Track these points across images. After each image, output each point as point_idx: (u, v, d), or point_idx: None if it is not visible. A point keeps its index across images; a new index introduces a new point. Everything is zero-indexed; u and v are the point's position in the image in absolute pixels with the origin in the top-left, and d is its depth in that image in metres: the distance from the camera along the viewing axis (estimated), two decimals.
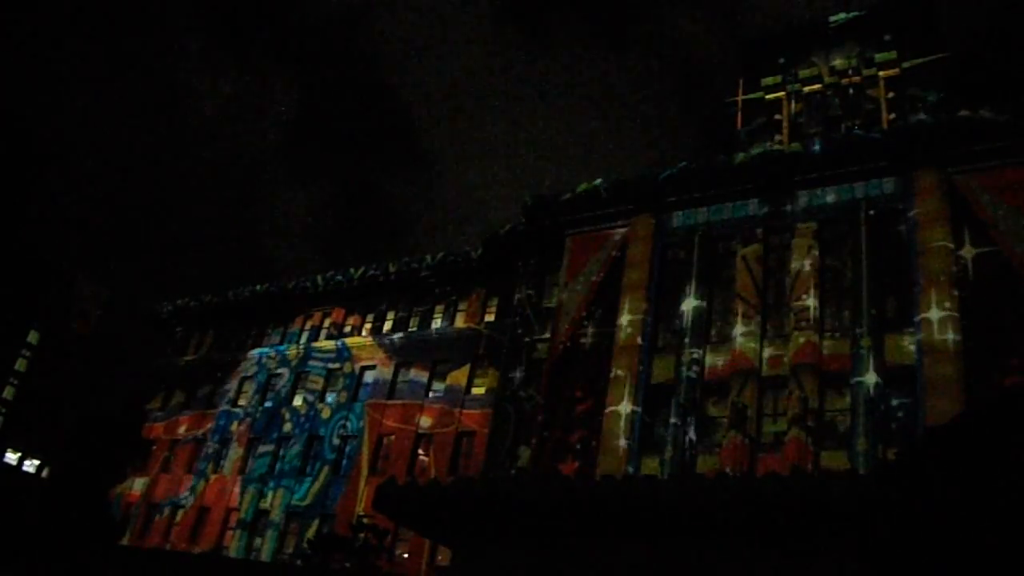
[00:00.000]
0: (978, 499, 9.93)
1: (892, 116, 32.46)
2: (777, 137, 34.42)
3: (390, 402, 39.30)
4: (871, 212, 28.42)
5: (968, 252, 26.37)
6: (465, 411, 36.29)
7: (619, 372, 29.80)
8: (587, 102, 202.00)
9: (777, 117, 35.16)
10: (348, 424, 39.89)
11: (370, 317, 43.62)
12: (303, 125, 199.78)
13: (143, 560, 39.05)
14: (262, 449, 42.26)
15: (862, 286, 27.30)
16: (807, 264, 28.59)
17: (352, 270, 44.64)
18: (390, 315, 42.85)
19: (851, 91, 34.21)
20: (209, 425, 45.62)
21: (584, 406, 30.27)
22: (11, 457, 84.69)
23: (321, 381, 42.72)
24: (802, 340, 27.26)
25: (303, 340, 45.36)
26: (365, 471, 37.61)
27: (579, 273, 33.37)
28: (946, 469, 10.48)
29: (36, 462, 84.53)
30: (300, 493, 39.10)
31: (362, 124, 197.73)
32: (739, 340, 28.44)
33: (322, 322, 45.39)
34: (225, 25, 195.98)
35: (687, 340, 29.43)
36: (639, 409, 28.85)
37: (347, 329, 44.08)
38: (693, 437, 27.44)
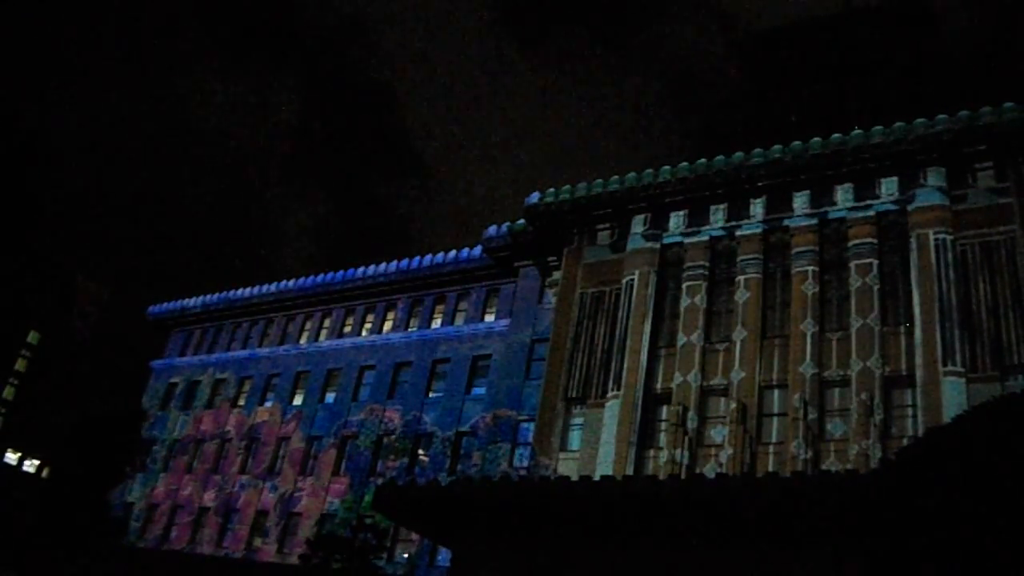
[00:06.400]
0: (978, 500, 9.94)
1: (895, 116, 32.43)
2: (777, 136, 34.40)
3: (390, 402, 39.31)
4: (872, 212, 28.38)
5: (970, 252, 26.32)
6: (466, 411, 36.35)
7: (619, 373, 29.76)
8: (585, 104, 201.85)
9: (777, 117, 35.18)
10: (348, 424, 39.89)
11: (370, 317, 43.64)
12: (304, 129, 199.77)
13: (143, 560, 39.05)
14: (263, 449, 42.30)
15: (863, 287, 27.27)
16: (808, 265, 28.55)
17: (352, 270, 44.69)
18: (390, 315, 42.87)
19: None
20: (210, 425, 45.66)
21: (584, 407, 30.26)
22: (11, 457, 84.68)
23: (321, 381, 42.72)
24: (803, 341, 27.25)
25: (303, 340, 45.39)
26: (366, 471, 37.61)
27: (578, 274, 33.33)
28: (946, 470, 10.49)
29: (36, 462, 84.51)
30: (300, 493, 39.10)
31: (363, 128, 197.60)
32: (739, 342, 28.43)
33: (322, 322, 45.41)
34: (228, 31, 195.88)
35: (687, 341, 29.41)
36: (639, 410, 28.81)
37: (347, 329, 44.10)
38: (693, 438, 27.42)
